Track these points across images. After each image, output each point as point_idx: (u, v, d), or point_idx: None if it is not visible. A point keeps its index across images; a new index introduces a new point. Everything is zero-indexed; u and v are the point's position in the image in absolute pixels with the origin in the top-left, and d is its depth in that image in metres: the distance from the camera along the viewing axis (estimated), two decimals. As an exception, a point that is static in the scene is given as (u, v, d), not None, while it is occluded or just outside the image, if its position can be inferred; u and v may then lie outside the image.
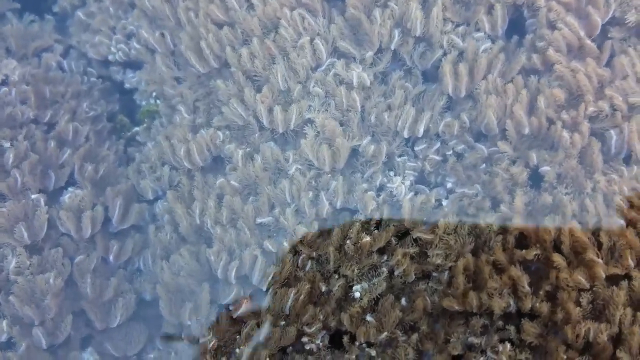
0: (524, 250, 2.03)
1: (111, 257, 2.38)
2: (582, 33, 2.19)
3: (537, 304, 1.93)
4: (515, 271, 1.96)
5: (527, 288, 1.94)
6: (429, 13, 2.25)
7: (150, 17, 2.65)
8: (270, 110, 2.27)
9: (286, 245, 2.15)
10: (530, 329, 1.90)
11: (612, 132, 2.12)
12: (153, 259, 2.36)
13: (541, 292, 1.97)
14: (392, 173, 2.26)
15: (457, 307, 1.98)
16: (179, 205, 2.30)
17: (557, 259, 1.95)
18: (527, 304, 1.92)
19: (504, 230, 2.09)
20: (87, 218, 2.32)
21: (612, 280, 1.93)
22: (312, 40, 2.30)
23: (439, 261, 2.03)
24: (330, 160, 2.19)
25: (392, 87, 2.30)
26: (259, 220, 2.24)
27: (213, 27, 2.43)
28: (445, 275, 2.05)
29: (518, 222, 2.08)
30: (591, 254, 1.91)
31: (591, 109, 2.12)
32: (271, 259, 2.18)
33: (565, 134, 2.10)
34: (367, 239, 2.07)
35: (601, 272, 1.90)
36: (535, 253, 2.00)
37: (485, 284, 1.97)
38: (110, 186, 2.46)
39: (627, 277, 1.92)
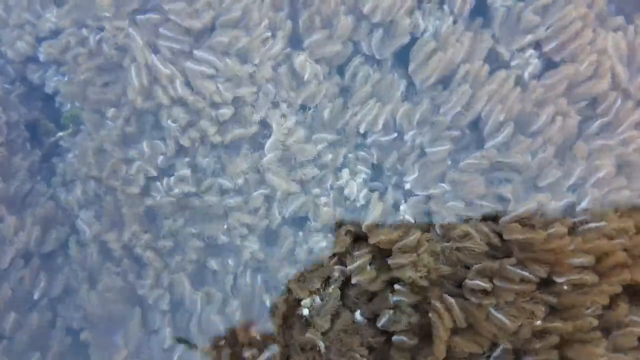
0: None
1: (36, 295, 2.28)
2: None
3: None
4: (539, 309, 1.90)
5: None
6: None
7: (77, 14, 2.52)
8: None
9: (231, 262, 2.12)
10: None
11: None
12: (78, 284, 2.30)
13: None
14: (344, 171, 2.22)
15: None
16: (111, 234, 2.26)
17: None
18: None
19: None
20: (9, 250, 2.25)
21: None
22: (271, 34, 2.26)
23: (410, 274, 1.95)
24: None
25: (350, 77, 2.25)
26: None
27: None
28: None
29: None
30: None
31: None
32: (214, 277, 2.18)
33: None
34: (323, 244, 2.07)
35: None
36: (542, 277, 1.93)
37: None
38: (27, 201, 2.39)
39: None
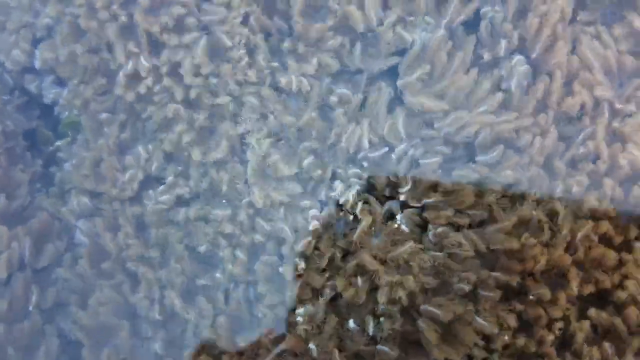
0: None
1: (30, 307, 2.33)
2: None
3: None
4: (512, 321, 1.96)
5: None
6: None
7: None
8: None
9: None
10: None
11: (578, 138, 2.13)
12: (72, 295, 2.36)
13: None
14: (336, 182, 2.27)
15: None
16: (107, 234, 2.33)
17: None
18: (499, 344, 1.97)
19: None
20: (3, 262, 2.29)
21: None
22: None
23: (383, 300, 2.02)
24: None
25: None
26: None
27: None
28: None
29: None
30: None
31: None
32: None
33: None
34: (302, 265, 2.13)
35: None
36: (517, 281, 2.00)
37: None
38: (27, 214, 2.44)
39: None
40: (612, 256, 1.97)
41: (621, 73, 2.16)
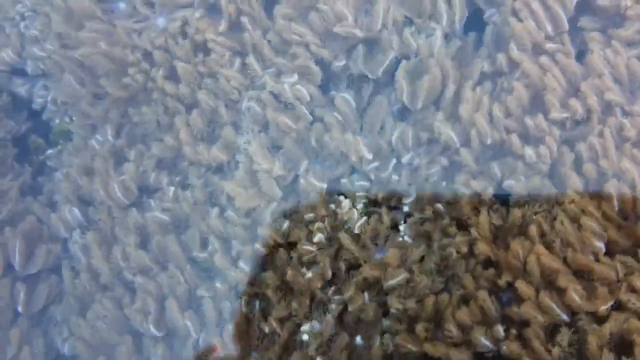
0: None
1: (19, 307, 2.21)
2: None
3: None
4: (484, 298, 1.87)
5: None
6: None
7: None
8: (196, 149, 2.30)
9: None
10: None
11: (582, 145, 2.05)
12: (69, 309, 2.27)
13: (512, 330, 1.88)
14: (341, 197, 2.21)
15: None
16: (98, 249, 2.25)
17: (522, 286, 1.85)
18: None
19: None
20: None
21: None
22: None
23: (398, 306, 1.95)
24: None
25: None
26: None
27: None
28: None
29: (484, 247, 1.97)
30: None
31: (557, 114, 2.05)
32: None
33: (529, 149, 2.04)
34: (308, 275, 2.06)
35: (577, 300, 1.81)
36: (507, 280, 1.90)
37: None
38: (12, 223, 2.32)
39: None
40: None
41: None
